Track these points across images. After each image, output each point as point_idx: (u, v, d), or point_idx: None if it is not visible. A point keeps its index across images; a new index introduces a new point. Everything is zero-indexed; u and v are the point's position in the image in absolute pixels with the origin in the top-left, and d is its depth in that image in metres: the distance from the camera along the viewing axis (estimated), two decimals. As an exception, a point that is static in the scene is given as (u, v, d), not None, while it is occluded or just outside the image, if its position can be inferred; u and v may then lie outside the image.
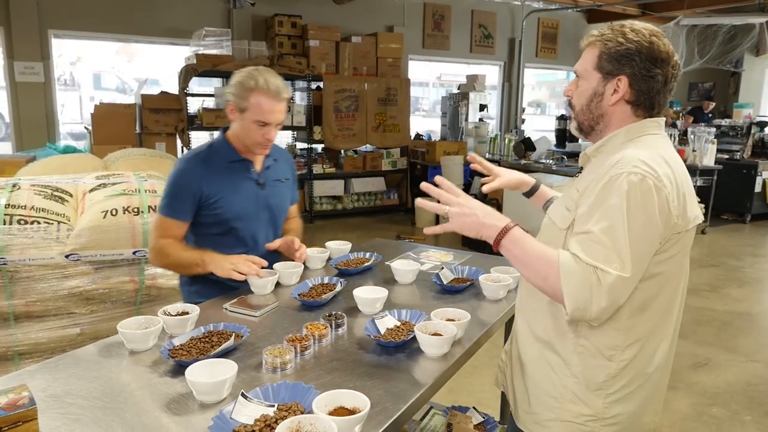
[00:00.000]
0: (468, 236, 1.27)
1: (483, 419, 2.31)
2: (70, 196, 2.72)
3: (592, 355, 1.27)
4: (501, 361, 1.58)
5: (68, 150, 4.88)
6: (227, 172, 1.95)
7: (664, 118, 1.33)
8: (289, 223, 2.22)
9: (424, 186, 1.31)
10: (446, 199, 1.28)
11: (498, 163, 7.36)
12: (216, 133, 2.06)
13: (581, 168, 1.39)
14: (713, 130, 7.34)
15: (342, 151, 7.74)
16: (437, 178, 1.32)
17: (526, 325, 1.40)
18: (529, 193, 1.74)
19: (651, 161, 1.18)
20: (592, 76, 1.28)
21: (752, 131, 8.03)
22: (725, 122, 8.79)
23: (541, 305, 1.33)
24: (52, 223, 2.53)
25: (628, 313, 1.24)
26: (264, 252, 2.00)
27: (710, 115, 9.67)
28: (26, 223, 2.48)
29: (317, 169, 7.40)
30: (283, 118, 1.94)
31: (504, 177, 1.71)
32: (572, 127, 1.38)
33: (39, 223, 2.51)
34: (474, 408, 2.37)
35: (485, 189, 1.68)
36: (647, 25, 1.26)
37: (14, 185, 2.61)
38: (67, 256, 2.51)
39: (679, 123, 9.40)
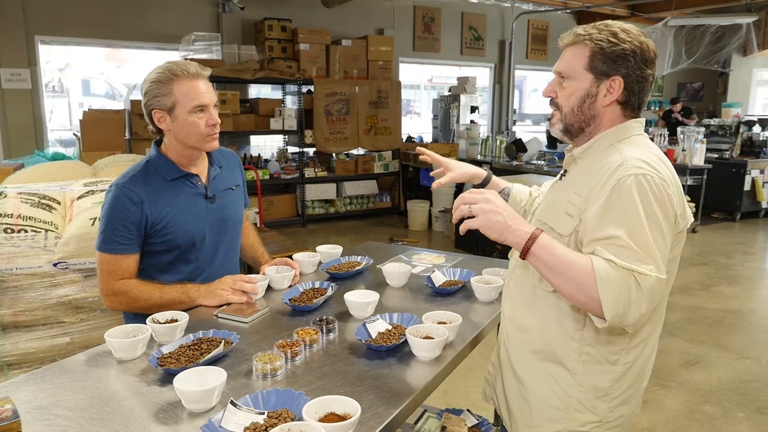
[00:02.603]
0: (490, 237, 1.19)
1: (477, 422, 2.30)
2: (58, 203, 2.70)
3: (597, 361, 1.26)
4: (488, 373, 1.56)
5: (57, 157, 4.84)
6: (171, 192, 1.76)
7: (644, 119, 1.33)
8: (245, 233, 2.09)
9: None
10: (471, 198, 1.21)
11: (490, 165, 7.38)
12: (149, 150, 1.84)
13: (565, 171, 1.37)
14: (702, 129, 7.40)
15: (334, 155, 7.73)
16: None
17: (520, 337, 1.37)
18: (481, 185, 1.67)
19: (651, 162, 1.18)
20: (583, 76, 1.25)
21: (741, 130, 8.10)
22: (714, 121, 8.87)
23: (542, 316, 1.31)
24: (40, 232, 2.50)
25: None
26: (225, 270, 1.89)
27: (681, 112, 9.76)
28: (13, 231, 2.46)
29: (309, 172, 7.38)
30: (215, 99, 1.76)
31: (456, 171, 1.64)
32: (557, 129, 1.32)
33: (26, 231, 2.48)
34: (468, 410, 2.36)
35: (435, 185, 1.61)
36: (632, 26, 1.26)
37: (0, 193, 2.59)
38: (55, 265, 2.48)
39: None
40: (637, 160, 1.17)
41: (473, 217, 1.20)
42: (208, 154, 1.90)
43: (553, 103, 1.32)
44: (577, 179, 1.29)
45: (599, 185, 1.18)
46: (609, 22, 1.27)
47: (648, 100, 1.31)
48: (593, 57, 1.23)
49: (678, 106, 9.91)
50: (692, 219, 1.28)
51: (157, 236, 1.75)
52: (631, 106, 1.27)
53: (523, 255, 1.17)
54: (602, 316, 1.11)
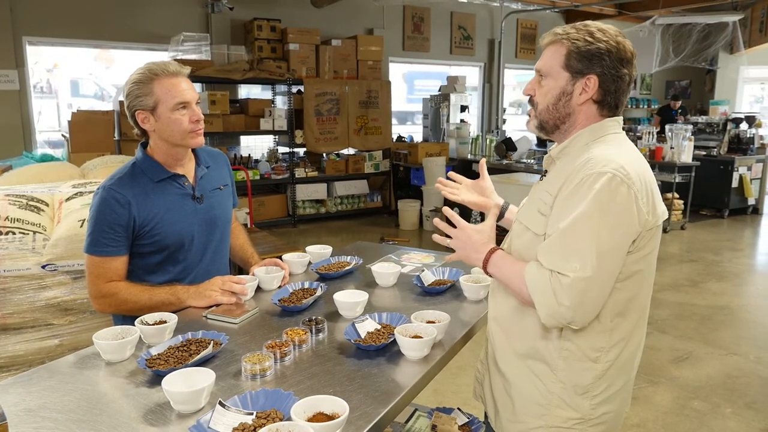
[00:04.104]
0: (465, 262, 1.42)
1: (468, 420, 2.31)
2: (46, 205, 2.68)
3: (577, 358, 1.27)
4: (477, 371, 1.57)
5: (45, 158, 4.81)
6: (158, 193, 1.76)
7: (622, 118, 1.35)
8: (235, 234, 2.09)
9: (437, 222, 1.45)
10: (449, 232, 1.41)
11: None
12: (136, 151, 1.84)
13: (545, 171, 1.38)
14: (690, 127, 7.46)
15: (324, 155, 7.72)
16: (445, 209, 1.46)
17: (503, 335, 1.39)
18: (499, 216, 1.65)
19: (620, 159, 1.20)
20: (559, 74, 1.28)
21: (728, 128, 8.17)
22: (702, 119, 8.93)
23: (524, 313, 1.32)
24: (28, 234, 2.49)
25: (611, 314, 1.25)
26: (214, 270, 1.89)
27: (679, 110, 9.83)
28: (1, 234, 2.44)
29: (299, 173, 7.37)
30: (197, 96, 1.77)
31: (483, 189, 1.73)
32: (532, 125, 1.36)
33: (14, 233, 2.46)
34: (459, 409, 2.37)
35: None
36: (610, 26, 1.28)
37: (-12, 196, 2.57)
38: (43, 267, 2.47)
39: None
40: (605, 158, 1.19)
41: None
42: (195, 154, 1.89)
43: (531, 101, 1.35)
44: (553, 178, 1.31)
45: (567, 183, 1.21)
46: (588, 22, 1.29)
47: (627, 100, 1.34)
48: (569, 55, 1.26)
49: (678, 103, 9.96)
50: (665, 215, 1.29)
51: (145, 238, 1.75)
52: (607, 105, 1.28)
53: (486, 273, 1.35)
54: None
